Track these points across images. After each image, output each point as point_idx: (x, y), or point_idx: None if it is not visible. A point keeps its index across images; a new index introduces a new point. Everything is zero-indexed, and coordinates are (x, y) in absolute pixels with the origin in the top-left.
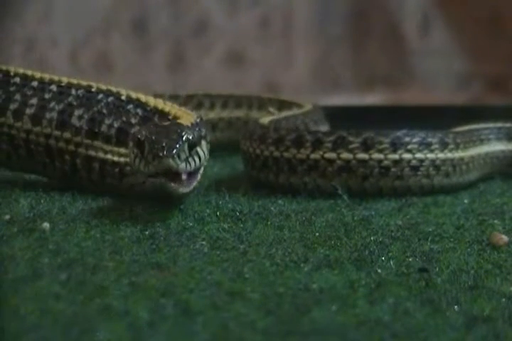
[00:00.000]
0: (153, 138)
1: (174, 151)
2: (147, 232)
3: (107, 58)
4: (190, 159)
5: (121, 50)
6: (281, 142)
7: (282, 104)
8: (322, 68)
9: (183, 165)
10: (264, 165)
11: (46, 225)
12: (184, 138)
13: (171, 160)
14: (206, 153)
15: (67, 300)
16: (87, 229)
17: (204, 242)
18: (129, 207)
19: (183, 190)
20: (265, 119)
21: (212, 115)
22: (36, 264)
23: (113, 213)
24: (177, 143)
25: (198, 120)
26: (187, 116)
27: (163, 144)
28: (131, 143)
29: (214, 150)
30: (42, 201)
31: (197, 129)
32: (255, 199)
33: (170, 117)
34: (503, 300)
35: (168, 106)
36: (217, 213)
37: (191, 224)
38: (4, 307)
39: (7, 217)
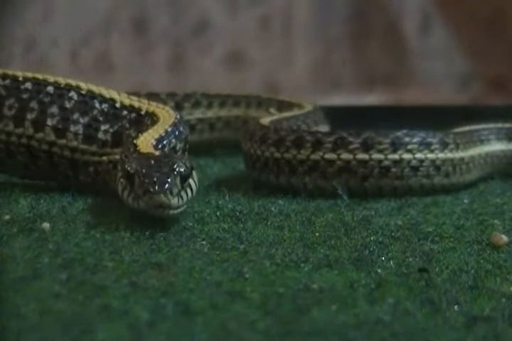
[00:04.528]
0: (144, 171)
1: (166, 186)
2: (147, 232)
3: (107, 58)
4: (182, 193)
5: (121, 50)
6: (281, 143)
7: (282, 105)
8: (322, 68)
9: (175, 201)
10: (265, 166)
11: (46, 225)
12: (176, 172)
13: (162, 196)
14: (197, 182)
15: (67, 300)
16: (87, 229)
17: (204, 242)
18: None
19: (173, 212)
20: (266, 120)
21: (210, 114)
22: (36, 264)
23: (113, 213)
24: (169, 177)
25: (178, 120)
26: (167, 116)
27: (155, 179)
28: (119, 174)
29: (214, 150)
30: (42, 201)
31: (178, 131)
32: (255, 199)
33: (155, 119)
34: (503, 300)
35: (146, 105)
36: (217, 213)
37: (191, 224)
38: (4, 307)
39: (7, 217)
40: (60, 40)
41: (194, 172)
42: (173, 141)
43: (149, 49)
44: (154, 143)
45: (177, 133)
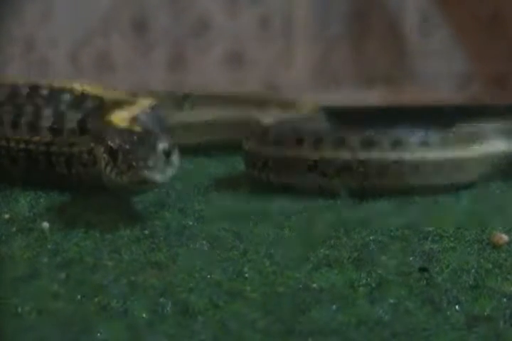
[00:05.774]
0: (128, 147)
1: (150, 162)
2: (147, 231)
3: (107, 58)
4: (166, 169)
5: (121, 50)
6: (281, 141)
7: (283, 105)
8: (322, 68)
9: (158, 177)
10: (265, 165)
11: (45, 224)
12: (160, 148)
13: (146, 172)
14: (179, 158)
15: (66, 299)
16: (86, 229)
17: (204, 242)
18: (128, 206)
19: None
20: (267, 120)
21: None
22: (35, 263)
23: (112, 212)
24: (153, 153)
25: (154, 105)
26: (144, 101)
27: (139, 155)
28: (102, 149)
29: (213, 151)
30: (41, 200)
31: (154, 114)
32: (255, 199)
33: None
34: (504, 299)
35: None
36: (217, 213)
37: (191, 223)
38: (3, 306)
39: (6, 216)
40: (60, 40)
41: (176, 149)
42: (150, 124)
43: (149, 49)
44: (129, 119)
45: (152, 116)
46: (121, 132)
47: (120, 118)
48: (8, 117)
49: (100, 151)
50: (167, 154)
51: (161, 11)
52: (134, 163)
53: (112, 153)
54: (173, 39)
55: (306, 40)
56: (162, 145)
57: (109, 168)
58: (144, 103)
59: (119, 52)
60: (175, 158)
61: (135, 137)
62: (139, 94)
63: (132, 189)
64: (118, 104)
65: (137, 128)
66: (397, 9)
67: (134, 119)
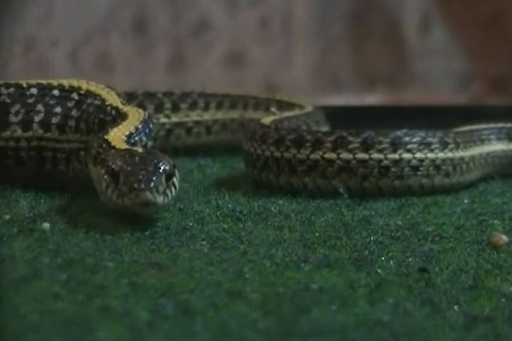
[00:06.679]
0: (129, 169)
1: (152, 184)
2: (147, 232)
3: (107, 58)
4: (167, 191)
5: (121, 50)
6: (281, 142)
7: (282, 105)
8: (322, 68)
9: (160, 199)
10: (265, 165)
11: (46, 225)
12: (162, 170)
13: (148, 194)
14: (179, 180)
15: (67, 300)
16: (87, 229)
17: (204, 242)
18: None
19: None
20: (267, 119)
21: (207, 116)
22: (36, 264)
23: (113, 213)
24: (155, 175)
25: (147, 117)
26: (135, 114)
27: (140, 177)
28: (102, 170)
29: (213, 151)
30: (42, 201)
31: (146, 128)
32: (255, 199)
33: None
34: (503, 300)
35: (117, 102)
36: (217, 213)
37: (191, 224)
38: (4, 307)
39: (7, 217)
40: (60, 40)
41: (177, 171)
42: (144, 138)
43: (149, 49)
44: (125, 139)
45: (147, 130)
46: (123, 154)
47: (118, 138)
48: (18, 116)
49: (101, 173)
50: (169, 176)
51: (161, 11)
52: (135, 185)
53: (114, 174)
54: (173, 39)
55: (306, 40)
56: (164, 168)
57: (110, 190)
58: (137, 116)
59: (119, 52)
60: (175, 179)
61: (137, 159)
62: (137, 94)
63: (133, 211)
64: (111, 115)
65: (138, 150)
66: (397, 9)
67: (128, 139)
